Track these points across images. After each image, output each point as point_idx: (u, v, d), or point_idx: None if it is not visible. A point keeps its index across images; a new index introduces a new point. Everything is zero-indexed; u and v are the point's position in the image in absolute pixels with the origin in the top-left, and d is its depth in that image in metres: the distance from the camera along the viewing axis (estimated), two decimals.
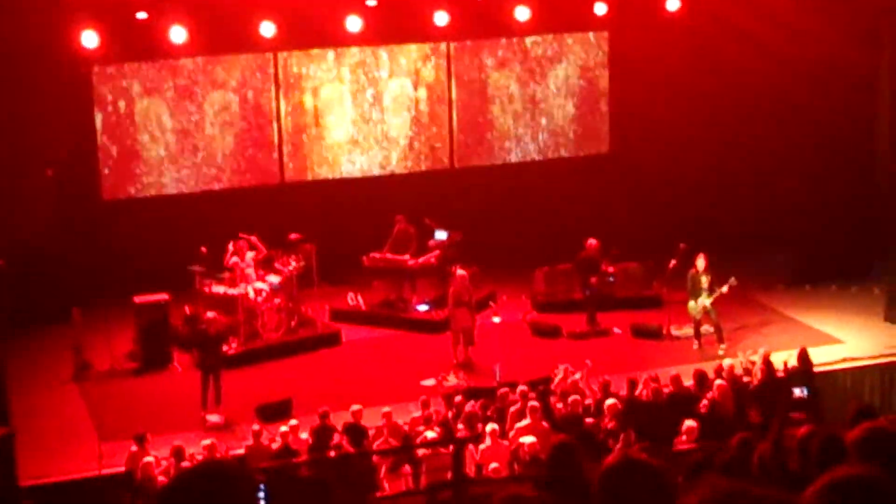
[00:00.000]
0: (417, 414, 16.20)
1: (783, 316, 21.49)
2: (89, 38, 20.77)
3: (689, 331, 20.31)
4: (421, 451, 15.02)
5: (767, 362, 17.36)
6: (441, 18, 22.44)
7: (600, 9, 22.95)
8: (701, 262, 19.90)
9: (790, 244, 23.32)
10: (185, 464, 14.57)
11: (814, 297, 22.28)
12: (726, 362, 17.42)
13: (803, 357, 17.64)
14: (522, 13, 22.54)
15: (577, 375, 17.36)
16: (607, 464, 4.10)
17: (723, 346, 19.72)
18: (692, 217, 23.19)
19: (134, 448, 15.23)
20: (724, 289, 19.78)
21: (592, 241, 21.15)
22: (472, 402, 16.64)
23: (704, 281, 19.85)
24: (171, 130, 23.34)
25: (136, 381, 19.46)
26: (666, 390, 16.58)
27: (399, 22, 23.01)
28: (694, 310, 19.98)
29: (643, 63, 24.57)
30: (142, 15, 20.72)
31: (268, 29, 21.62)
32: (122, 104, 22.95)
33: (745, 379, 17.20)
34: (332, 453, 14.95)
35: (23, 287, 20.77)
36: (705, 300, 19.82)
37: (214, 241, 20.51)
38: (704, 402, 16.00)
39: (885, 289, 21.50)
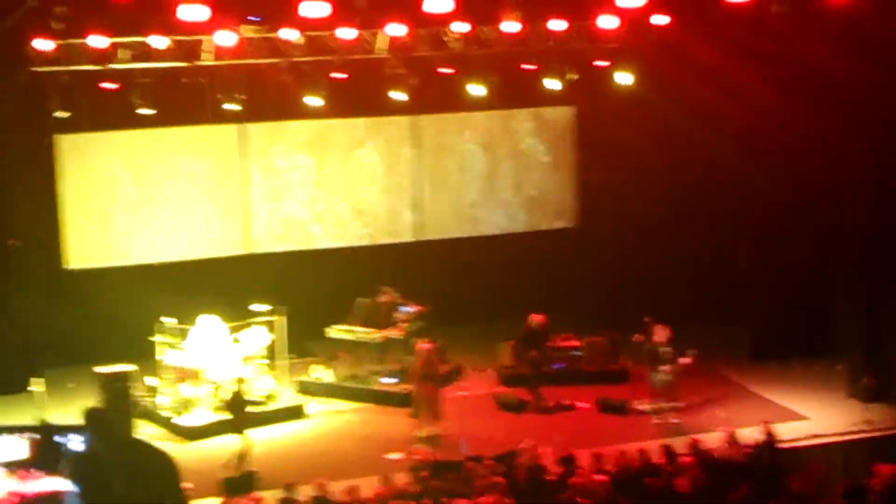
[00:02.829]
0: (380, 487, 16.04)
1: (748, 391, 21.52)
2: (55, 107, 20.70)
3: (654, 405, 20.29)
4: None
5: (732, 439, 17.31)
6: (405, 94, 22.43)
7: (554, 85, 23.01)
8: (661, 333, 19.98)
9: (753, 320, 23.41)
10: None
11: (778, 373, 22.32)
12: (701, 437, 17.32)
13: (768, 432, 17.61)
14: (477, 90, 22.55)
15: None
16: None
17: (674, 416, 19.89)
18: (657, 291, 23.27)
19: None
20: (686, 360, 19.85)
21: (538, 317, 21.19)
22: (436, 476, 16.50)
23: (664, 352, 19.92)
24: (135, 200, 23.27)
25: None
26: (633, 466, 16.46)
27: (364, 95, 23.09)
28: (656, 381, 20.01)
29: (608, 138, 24.81)
30: (109, 85, 20.70)
31: (233, 101, 21.62)
32: (86, 173, 22.88)
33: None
34: None
35: None
36: (666, 371, 19.87)
37: (179, 312, 20.38)
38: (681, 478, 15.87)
39: (847, 365, 21.57)
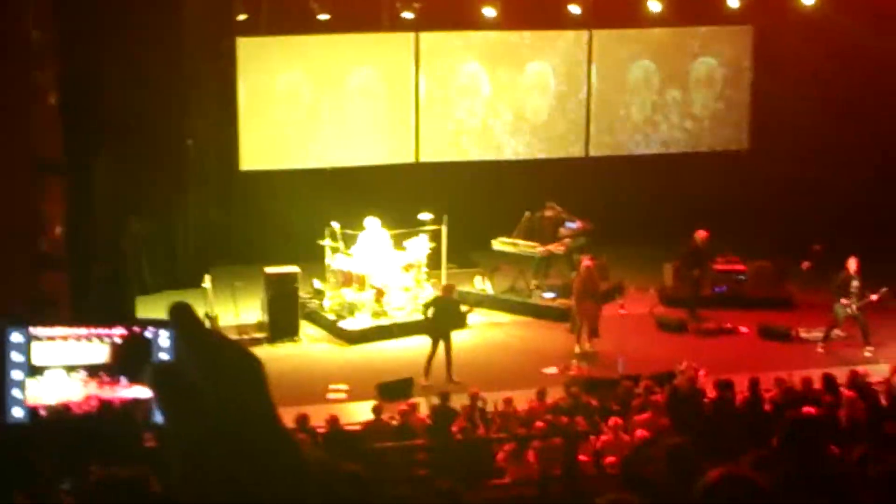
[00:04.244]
0: (534, 400, 16.18)
1: None
2: (237, 10, 21.11)
3: (818, 334, 19.96)
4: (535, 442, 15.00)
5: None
6: (580, 7, 22.30)
7: (734, 2, 22.58)
8: (852, 265, 19.44)
9: None
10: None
11: None
12: (860, 369, 16.98)
13: None
14: (654, 6, 22.33)
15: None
16: (708, 479, 4.05)
17: (869, 347, 19.40)
18: (831, 218, 22.76)
19: None
20: (874, 296, 19.37)
21: (703, 232, 20.98)
22: (591, 392, 16.59)
23: (854, 284, 19.42)
24: (310, 104, 23.63)
25: (263, 351, 19.76)
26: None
27: (540, 8, 22.96)
28: (840, 312, 19.59)
29: (787, 58, 24.19)
30: None
31: (409, 9, 21.73)
32: (263, 77, 23.30)
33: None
34: (458, 435, 14.98)
35: (160, 251, 21.27)
36: (854, 303, 19.44)
37: (347, 217, 20.72)
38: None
39: None
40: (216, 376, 2.03)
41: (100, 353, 2.39)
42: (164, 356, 2.34)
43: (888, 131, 23.56)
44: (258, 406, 2.10)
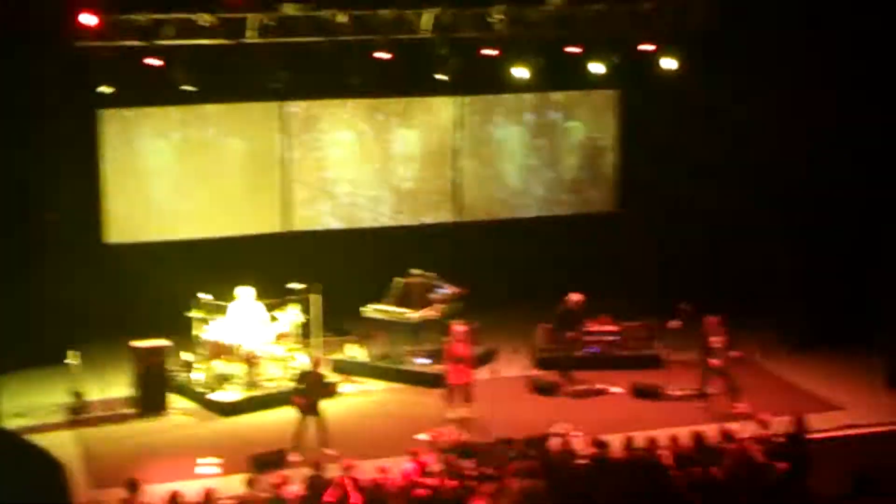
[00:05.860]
0: (410, 467, 16.06)
1: (783, 381, 21.34)
2: (99, 83, 20.80)
3: (690, 392, 20.20)
4: None
5: (766, 427, 17.17)
6: (448, 75, 22.37)
7: (598, 68, 22.94)
8: (710, 322, 19.81)
9: (794, 310, 23.18)
10: None
11: (815, 364, 22.10)
12: (733, 426, 17.21)
13: (799, 422, 17.44)
14: (521, 72, 22.54)
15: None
16: None
17: (738, 404, 19.65)
18: (696, 278, 23.09)
19: (125, 495, 15.08)
20: (735, 353, 19.75)
21: (575, 296, 21.16)
22: (466, 458, 16.51)
23: (714, 341, 19.76)
24: (176, 176, 23.38)
25: (132, 426, 19.36)
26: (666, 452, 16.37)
27: (407, 75, 23.03)
28: (704, 369, 19.90)
29: (651, 122, 24.62)
30: (152, 62, 20.74)
31: (276, 79, 21.62)
32: (128, 149, 23.00)
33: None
34: None
35: (21, 327, 20.72)
36: (714, 360, 19.74)
37: (216, 288, 20.46)
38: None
39: (888, 356, 21.31)
40: (11, 480, 1.94)
41: None
42: None
43: (749, 192, 24.00)
44: None
